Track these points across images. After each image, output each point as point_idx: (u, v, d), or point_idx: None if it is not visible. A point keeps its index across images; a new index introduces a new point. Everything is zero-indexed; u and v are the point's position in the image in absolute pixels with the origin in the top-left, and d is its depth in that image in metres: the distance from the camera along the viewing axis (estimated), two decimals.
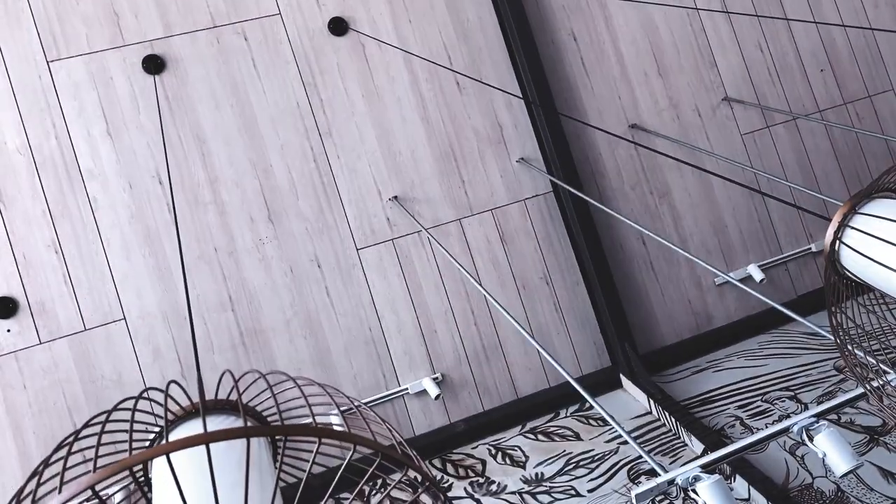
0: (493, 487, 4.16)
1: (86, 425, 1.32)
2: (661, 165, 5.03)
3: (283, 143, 4.56)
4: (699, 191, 5.05)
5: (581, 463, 4.20)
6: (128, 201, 4.30)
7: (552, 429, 4.54)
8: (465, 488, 4.20)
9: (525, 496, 4.05)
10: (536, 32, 4.99)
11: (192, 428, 1.32)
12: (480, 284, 3.69)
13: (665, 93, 5.11)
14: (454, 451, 4.49)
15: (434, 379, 4.62)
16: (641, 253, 4.98)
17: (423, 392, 4.61)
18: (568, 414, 4.63)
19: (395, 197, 4.67)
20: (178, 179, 4.38)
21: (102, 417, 1.30)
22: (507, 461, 4.34)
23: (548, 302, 4.84)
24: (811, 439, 2.21)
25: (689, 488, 2.15)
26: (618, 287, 4.81)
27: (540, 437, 4.49)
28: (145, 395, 1.35)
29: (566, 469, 4.18)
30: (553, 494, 4.01)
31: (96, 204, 4.28)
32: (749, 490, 3.73)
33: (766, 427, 3.73)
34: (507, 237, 4.84)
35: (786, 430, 2.30)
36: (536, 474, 4.19)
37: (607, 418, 2.89)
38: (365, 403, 1.84)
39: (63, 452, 1.24)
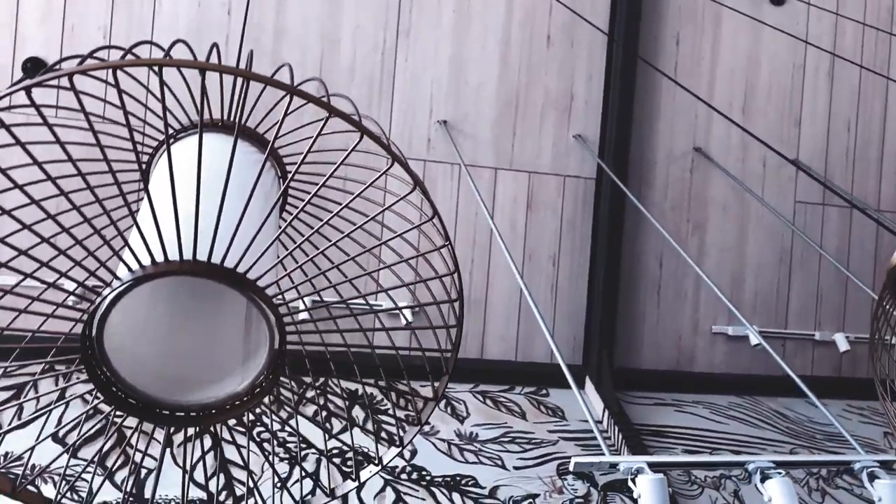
0: (426, 429, 4.10)
1: None
2: (708, 199, 4.91)
3: (359, 24, 4.44)
4: (734, 237, 4.93)
5: (517, 440, 4.15)
6: (192, 16, 4.19)
7: (502, 399, 4.48)
8: (399, 418, 4.14)
9: (453, 447, 4.00)
10: (644, 25, 4.83)
11: None
12: (502, 239, 3.60)
13: (741, 133, 4.97)
14: (401, 380, 4.43)
15: (412, 307, 4.55)
16: (654, 274, 4.88)
17: (396, 317, 4.54)
18: (522, 392, 4.57)
19: (445, 122, 4.56)
20: (249, 18, 4.26)
21: None
22: (449, 410, 4.29)
23: (547, 282, 4.76)
24: (763, 481, 2.15)
25: (630, 477, 2.09)
26: (619, 296, 4.72)
27: (488, 401, 4.44)
28: None
29: (501, 439, 4.13)
30: (479, 457, 3.97)
31: (160, 7, 4.18)
32: None
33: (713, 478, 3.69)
34: (533, 205, 4.74)
35: (742, 465, 2.24)
36: (471, 433, 4.14)
37: (581, 403, 2.82)
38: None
39: None
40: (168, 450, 3.54)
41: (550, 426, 4.32)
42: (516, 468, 3.94)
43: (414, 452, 3.90)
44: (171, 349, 0.98)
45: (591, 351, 4.66)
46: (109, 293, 0.90)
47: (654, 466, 2.08)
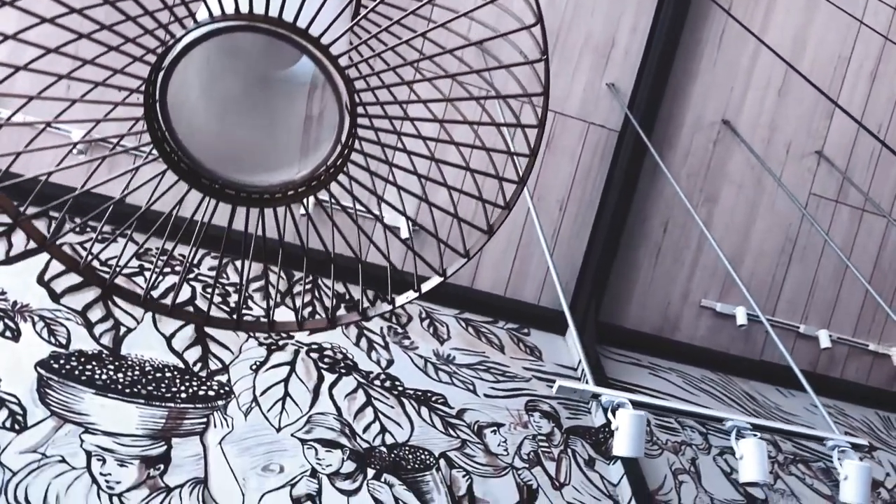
0: (406, 342, 4.14)
1: None
2: (725, 174, 4.87)
3: None
4: (742, 217, 4.91)
5: (492, 370, 4.20)
6: None
7: (484, 330, 4.51)
8: (381, 327, 4.17)
9: (429, 364, 4.04)
10: None
11: None
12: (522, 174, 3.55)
13: (772, 112, 4.90)
14: (392, 294, 4.44)
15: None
16: (657, 238, 4.87)
17: (396, 228, 4.52)
18: (504, 327, 4.60)
19: (481, 42, 4.45)
20: None
21: None
22: (431, 330, 4.32)
23: (550, 225, 4.74)
24: (738, 439, 2.18)
25: (610, 408, 2.11)
26: (618, 252, 4.71)
27: (470, 329, 4.47)
28: None
29: (476, 367, 4.17)
30: (453, 378, 4.01)
31: None
32: (623, 478, 3.76)
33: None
34: (552, 146, 4.68)
35: (721, 420, 2.27)
36: (449, 355, 4.17)
37: (574, 348, 2.82)
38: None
39: None
40: (150, 313, 3.55)
41: (526, 363, 4.36)
42: (487, 396, 4.00)
43: (390, 362, 3.93)
44: (229, 126, 0.95)
45: (579, 300, 4.67)
46: (179, 40, 0.85)
47: (636, 404, 2.10)
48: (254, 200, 1.07)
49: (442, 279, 1.46)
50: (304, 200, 1.17)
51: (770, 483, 2.08)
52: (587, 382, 4.29)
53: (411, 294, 1.50)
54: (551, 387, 4.26)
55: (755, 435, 2.13)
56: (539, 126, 1.34)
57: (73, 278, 3.62)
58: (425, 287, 1.49)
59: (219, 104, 0.97)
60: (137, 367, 3.25)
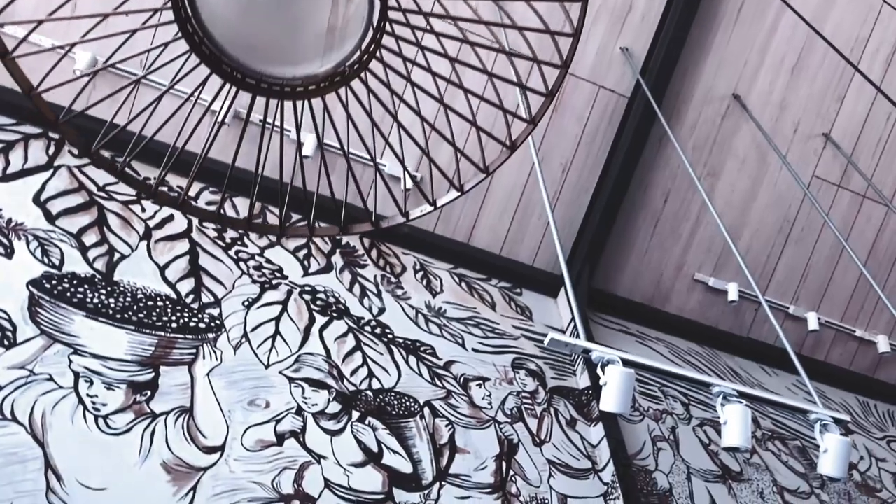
0: (399, 292, 4.15)
1: None
2: (731, 149, 4.84)
3: None
4: (743, 194, 4.90)
5: (482, 326, 4.22)
6: None
7: (477, 286, 4.52)
8: (375, 275, 4.17)
9: (420, 315, 4.05)
10: None
11: None
12: (533, 133, 3.50)
13: (783, 91, 4.86)
14: (388, 244, 4.45)
15: (413, 175, 4.50)
16: (656, 208, 4.86)
17: (397, 179, 4.49)
18: (497, 285, 4.61)
19: None
20: None
21: None
22: (424, 282, 4.32)
23: (551, 187, 4.72)
24: (725, 403, 2.20)
25: (599, 364, 2.13)
26: (616, 218, 4.71)
27: (463, 284, 4.47)
28: None
29: (467, 321, 4.19)
30: (443, 331, 4.03)
31: None
32: (602, 440, 3.81)
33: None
34: (560, 107, 4.63)
35: (708, 385, 2.29)
36: (440, 308, 4.19)
37: (565, 311, 2.81)
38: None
39: None
40: (145, 242, 3.53)
41: (516, 322, 4.38)
42: (475, 350, 4.02)
43: (382, 310, 3.94)
44: (255, 17, 0.92)
45: (573, 264, 4.67)
46: None
47: (626, 362, 2.11)
48: (274, 92, 1.05)
49: (459, 193, 1.45)
50: (324, 96, 1.15)
51: (749, 450, 2.11)
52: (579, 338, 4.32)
53: (427, 207, 1.49)
54: (540, 346, 4.30)
55: (740, 402, 2.15)
56: (574, 35, 1.31)
57: (70, 200, 3.59)
58: (441, 202, 1.48)
59: None
60: (129, 294, 3.25)
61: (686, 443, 4.14)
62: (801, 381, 5.01)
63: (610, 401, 2.00)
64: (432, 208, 1.46)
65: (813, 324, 4.93)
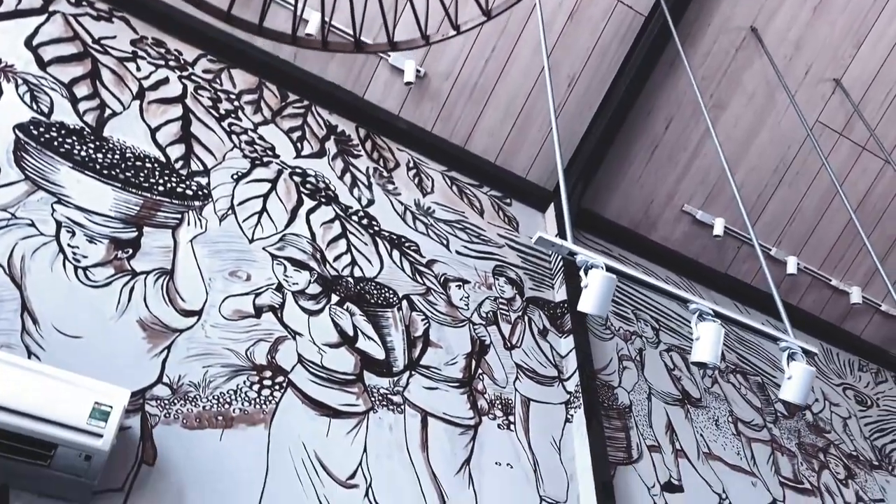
0: (389, 186, 4.12)
1: None
2: (740, 83, 4.76)
3: None
4: (745, 129, 4.86)
5: (468, 230, 4.22)
6: None
7: (468, 191, 4.50)
8: (367, 167, 4.13)
9: (408, 212, 4.04)
10: None
11: None
12: (543, 33, 3.41)
13: (802, 29, 4.75)
14: (384, 137, 4.38)
15: (417, 70, 4.39)
16: (657, 133, 4.81)
17: (399, 71, 4.39)
18: (488, 193, 4.59)
19: None
20: None
21: None
22: (416, 181, 4.29)
23: (556, 99, 4.63)
24: (699, 321, 2.24)
25: (584, 267, 2.14)
26: (616, 138, 4.66)
27: (454, 188, 4.45)
28: None
29: (454, 224, 4.19)
30: (429, 230, 4.03)
31: None
32: (571, 352, 3.89)
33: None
34: (575, 17, 4.50)
35: (686, 301, 2.32)
36: (429, 207, 4.17)
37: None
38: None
39: None
40: (138, 102, 3.45)
41: (502, 231, 4.39)
42: (458, 253, 4.04)
43: (371, 202, 3.92)
44: None
45: (567, 180, 4.64)
46: None
47: (609, 268, 2.13)
48: None
49: (486, 19, 1.41)
50: None
51: (717, 368, 2.15)
52: (552, 262, 4.35)
53: (450, 31, 1.46)
54: (522, 256, 4.33)
55: (715, 321, 2.19)
56: None
57: (63, 49, 3.48)
58: (464, 27, 1.45)
59: None
60: (118, 151, 3.19)
61: (651, 365, 4.24)
62: (771, 322, 5.12)
63: (589, 303, 2.03)
64: (455, 33, 1.42)
65: (792, 268, 4.99)
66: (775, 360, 4.88)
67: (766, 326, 2.51)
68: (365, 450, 2.92)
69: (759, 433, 4.33)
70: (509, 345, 3.79)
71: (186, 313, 2.87)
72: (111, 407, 2.17)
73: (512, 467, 3.28)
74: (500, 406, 3.48)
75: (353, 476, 2.82)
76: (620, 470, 3.56)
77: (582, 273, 2.10)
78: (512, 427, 3.44)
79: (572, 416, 3.64)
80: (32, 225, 2.76)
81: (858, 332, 5.50)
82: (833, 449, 4.60)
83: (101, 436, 2.12)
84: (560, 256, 4.47)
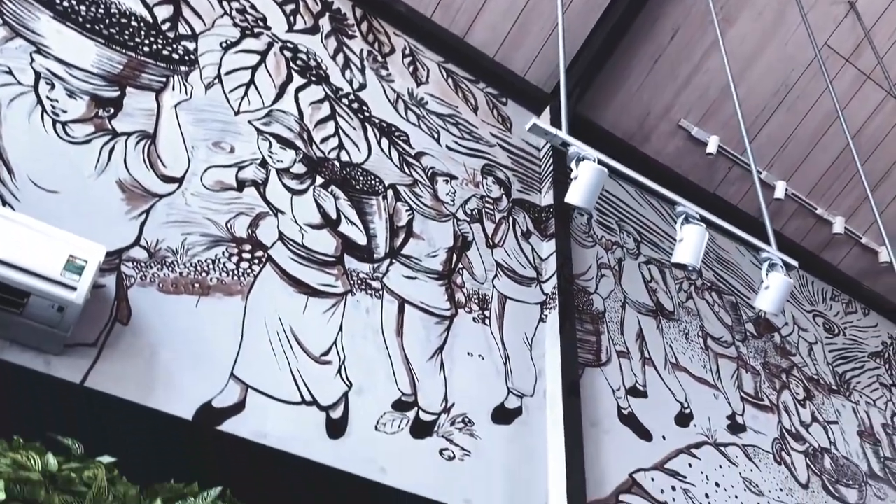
0: (383, 73, 3.99)
1: None
2: None
3: None
4: (751, 47, 4.74)
5: (460, 126, 4.13)
6: None
7: (464, 85, 4.37)
8: (362, 49, 3.99)
9: (401, 101, 3.94)
10: None
11: None
12: None
13: None
14: (381, 20, 4.21)
15: None
16: (661, 44, 4.67)
17: None
18: (484, 89, 4.47)
19: None
20: None
21: None
22: (411, 69, 4.16)
23: None
24: (685, 223, 2.23)
25: (575, 159, 2.11)
26: (619, 45, 4.53)
27: (450, 80, 4.32)
28: None
29: (446, 118, 4.09)
30: (421, 122, 3.94)
31: None
32: (552, 256, 3.90)
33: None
34: None
35: (674, 203, 2.30)
36: (422, 98, 4.06)
37: (560, 108, 2.71)
38: None
39: None
40: None
41: (495, 131, 4.31)
42: (448, 148, 3.97)
43: (363, 86, 3.81)
44: None
45: (569, 85, 4.53)
46: None
47: (601, 162, 2.09)
48: None
49: None
50: None
51: (696, 269, 2.16)
52: (542, 166, 4.30)
53: None
54: (512, 157, 4.28)
55: (700, 224, 2.19)
56: None
57: None
58: None
59: None
60: (102, 6, 3.05)
61: (629, 275, 4.28)
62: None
63: (577, 194, 2.01)
64: None
65: (780, 192, 4.98)
66: (752, 281, 4.94)
67: (751, 236, 2.51)
68: (340, 329, 2.95)
69: (727, 350, 4.43)
70: (492, 243, 3.79)
71: (167, 179, 2.81)
72: (86, 261, 2.15)
73: (483, 359, 3.34)
74: (476, 301, 3.51)
75: (326, 353, 2.85)
76: (588, 371, 3.63)
77: (573, 165, 2.07)
78: (487, 322, 3.48)
79: (546, 316, 3.69)
80: (10, 73, 2.65)
81: (836, 263, 5.57)
82: (796, 371, 4.73)
83: (74, 288, 2.11)
84: (550, 160, 4.42)
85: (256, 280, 2.82)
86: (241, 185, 3.01)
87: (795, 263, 2.43)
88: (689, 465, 3.67)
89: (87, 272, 2.14)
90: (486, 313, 3.51)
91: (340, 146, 3.49)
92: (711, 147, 4.80)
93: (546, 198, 4.23)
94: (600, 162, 2.07)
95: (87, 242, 2.20)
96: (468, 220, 3.77)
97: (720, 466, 3.79)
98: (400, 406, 2.94)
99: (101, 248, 2.22)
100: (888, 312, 5.66)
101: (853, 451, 4.61)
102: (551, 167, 4.31)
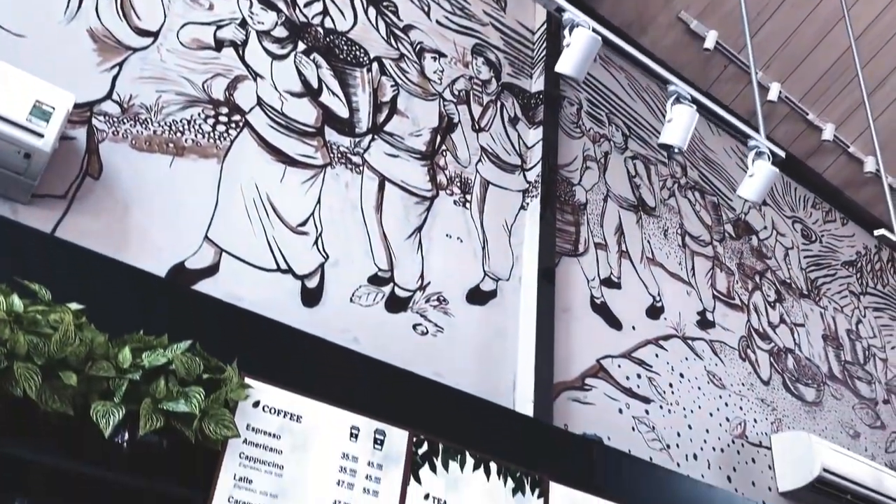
0: None
1: None
2: None
3: None
4: None
5: (452, 0, 3.96)
6: None
7: None
8: None
9: None
10: None
11: None
12: None
13: None
14: None
15: None
16: None
17: None
18: None
19: None
20: None
21: None
22: None
23: None
24: (675, 103, 2.17)
25: (569, 26, 2.02)
26: None
27: None
28: None
29: None
30: None
31: None
32: (538, 144, 3.83)
33: None
34: None
35: (666, 82, 2.24)
36: None
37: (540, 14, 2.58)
38: None
39: None
40: None
41: (489, 9, 4.13)
42: (439, 23, 3.81)
43: None
44: None
45: None
46: None
47: (595, 30, 2.01)
48: None
49: None
50: None
51: (680, 149, 2.12)
52: (535, 50, 4.16)
53: None
54: (505, 39, 4.13)
55: (691, 106, 2.13)
56: None
57: None
58: None
59: None
60: None
61: (614, 169, 4.23)
62: (740, 147, 5.10)
63: (568, 63, 1.93)
64: None
65: (774, 94, 4.89)
66: (736, 183, 4.91)
67: (740, 122, 2.46)
68: (319, 202, 2.91)
69: (704, 249, 4.46)
70: (477, 127, 3.71)
71: (141, 32, 2.68)
72: (53, 108, 2.07)
73: (462, 241, 3.33)
74: (458, 184, 3.46)
75: (304, 224, 2.82)
76: (565, 260, 3.65)
77: (566, 32, 1.98)
78: (467, 205, 3.45)
79: (528, 204, 3.66)
80: None
81: (821, 171, 5.55)
82: (769, 273, 4.79)
83: (41, 135, 2.03)
84: (544, 45, 4.26)
85: (233, 145, 2.74)
86: (219, 44, 2.88)
87: (782, 153, 2.39)
88: (656, 356, 3.75)
89: (54, 119, 2.06)
90: (468, 197, 3.47)
91: (325, 12, 3.33)
92: (709, 42, 4.66)
93: (537, 84, 4.12)
94: (597, 31, 1.99)
95: (54, 88, 2.11)
96: (455, 101, 3.67)
97: (686, 359, 3.89)
98: (376, 281, 2.94)
99: (70, 96, 2.13)
100: (866, 223, 5.70)
101: (816, 354, 4.75)
102: (544, 52, 4.17)
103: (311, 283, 2.74)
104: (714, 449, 3.74)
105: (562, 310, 3.46)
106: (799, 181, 5.48)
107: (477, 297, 3.24)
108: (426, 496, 2.18)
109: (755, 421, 4.04)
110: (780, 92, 4.98)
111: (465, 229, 3.37)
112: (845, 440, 4.51)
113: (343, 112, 3.17)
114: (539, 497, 2.43)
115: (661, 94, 4.87)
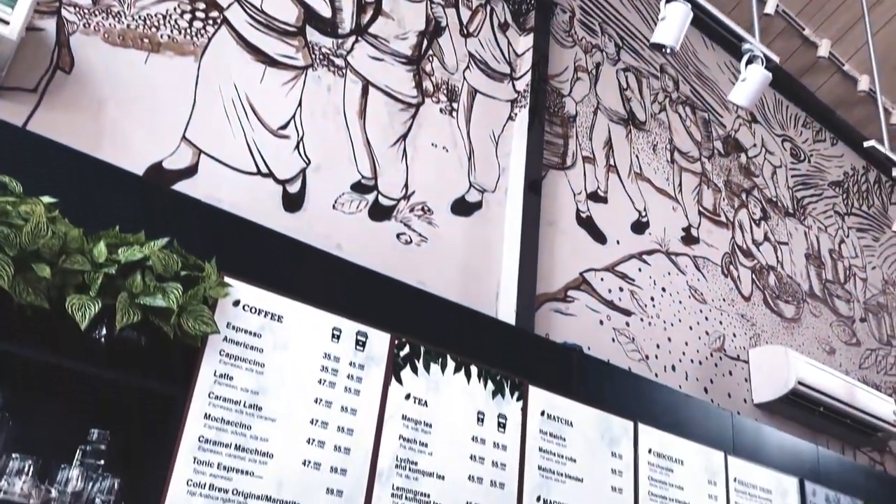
0: None
1: None
2: None
3: None
4: None
5: None
6: None
7: None
8: None
9: None
10: None
11: None
12: None
13: None
14: None
15: None
16: None
17: None
18: None
19: None
20: None
21: None
22: None
23: None
24: (669, 1, 2.10)
25: None
26: None
27: None
28: None
29: None
30: None
31: None
32: (528, 52, 3.72)
33: None
34: None
35: None
36: None
37: None
38: None
39: None
40: None
41: None
42: None
43: None
44: None
45: None
46: None
47: None
48: None
49: None
50: None
51: (673, 49, 2.05)
52: None
53: None
54: None
55: (686, 4, 2.05)
56: None
57: None
58: None
59: None
60: None
61: (605, 81, 4.14)
62: (733, 63, 5.00)
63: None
64: None
65: (770, 7, 4.75)
66: (727, 99, 4.83)
67: (738, 26, 2.38)
68: (300, 105, 2.83)
69: (692, 165, 4.42)
70: (466, 32, 3.59)
71: None
72: None
73: (447, 151, 3.27)
74: (445, 91, 3.38)
75: (284, 127, 2.75)
76: (552, 173, 3.61)
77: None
78: (454, 114, 3.38)
79: (516, 114, 3.59)
80: None
81: (814, 90, 5.47)
82: (756, 192, 4.78)
83: (6, 22, 1.94)
84: None
85: (211, 42, 2.64)
86: None
87: (776, 58, 2.33)
88: (639, 270, 3.77)
89: (20, 5, 1.96)
90: (455, 105, 3.40)
91: None
92: None
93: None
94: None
95: None
96: (443, 3, 3.54)
97: (669, 273, 3.91)
98: (359, 188, 2.90)
99: None
100: (855, 144, 5.65)
101: (798, 272, 4.79)
102: None
103: (293, 188, 2.69)
104: (692, 361, 3.81)
105: (547, 223, 3.45)
106: (791, 99, 5.40)
107: (462, 207, 3.21)
108: (407, 396, 2.21)
109: (734, 335, 4.11)
110: (778, 5, 4.85)
111: (451, 139, 3.31)
112: (821, 356, 4.60)
113: (325, 11, 3.05)
114: (518, 400, 2.47)
115: (654, 4, 4.73)
